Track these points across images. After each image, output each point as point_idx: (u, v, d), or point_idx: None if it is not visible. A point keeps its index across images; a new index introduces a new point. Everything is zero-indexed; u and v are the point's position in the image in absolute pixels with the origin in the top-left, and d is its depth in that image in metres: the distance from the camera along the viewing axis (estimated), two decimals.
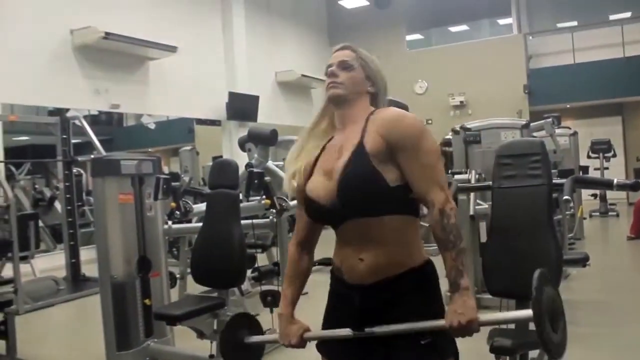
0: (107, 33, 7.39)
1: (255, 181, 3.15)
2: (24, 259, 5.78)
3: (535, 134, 6.84)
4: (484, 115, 6.47)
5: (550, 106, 11.58)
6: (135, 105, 9.26)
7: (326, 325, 1.61)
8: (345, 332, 1.50)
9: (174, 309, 3.11)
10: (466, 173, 4.52)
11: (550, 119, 6.36)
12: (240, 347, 1.83)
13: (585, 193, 8.51)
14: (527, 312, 1.32)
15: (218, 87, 10.06)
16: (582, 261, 3.79)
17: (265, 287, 4.14)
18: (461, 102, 13.01)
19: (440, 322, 1.40)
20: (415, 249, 1.50)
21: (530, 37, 13.55)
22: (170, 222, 3.81)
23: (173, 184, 3.57)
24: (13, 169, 10.23)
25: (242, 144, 3.92)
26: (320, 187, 1.51)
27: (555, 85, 12.43)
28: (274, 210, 3.39)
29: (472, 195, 4.33)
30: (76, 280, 6.30)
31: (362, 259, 1.46)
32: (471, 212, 4.28)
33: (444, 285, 1.45)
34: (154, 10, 8.92)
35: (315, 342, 1.63)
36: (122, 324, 3.48)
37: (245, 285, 4.93)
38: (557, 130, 7.20)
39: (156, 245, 3.73)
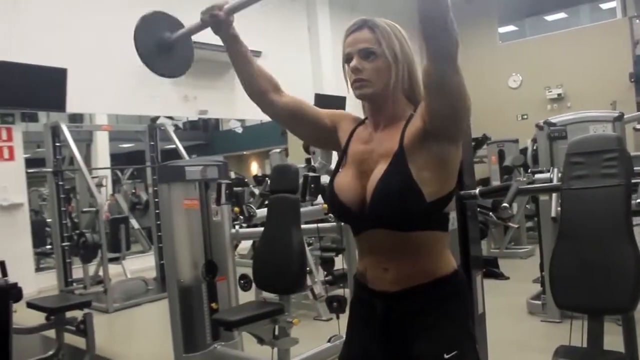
0: (193, 42, 7.63)
1: (312, 185, 3.08)
2: (115, 260, 6.13)
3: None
4: (585, 108, 5.97)
5: None
6: (222, 111, 9.57)
7: (349, 331, 1.54)
8: None
9: (232, 315, 3.12)
10: (549, 172, 4.17)
11: None
12: (162, 48, 1.71)
13: None
14: None
15: (304, 89, 10.11)
16: None
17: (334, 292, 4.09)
18: (559, 94, 12.20)
19: None
20: (443, 259, 1.40)
21: (637, 21, 12.45)
22: (237, 227, 3.85)
23: (236, 189, 3.59)
24: (119, 174, 10.94)
25: (307, 147, 3.87)
26: (351, 187, 1.41)
27: None
28: (332, 215, 3.31)
29: (554, 195, 4.00)
30: (164, 281, 6.57)
31: (387, 269, 1.39)
32: (553, 214, 3.96)
33: None
34: (239, 16, 9.14)
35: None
36: (189, 327, 3.57)
37: (319, 289, 4.89)
38: None
39: (223, 249, 3.79)
